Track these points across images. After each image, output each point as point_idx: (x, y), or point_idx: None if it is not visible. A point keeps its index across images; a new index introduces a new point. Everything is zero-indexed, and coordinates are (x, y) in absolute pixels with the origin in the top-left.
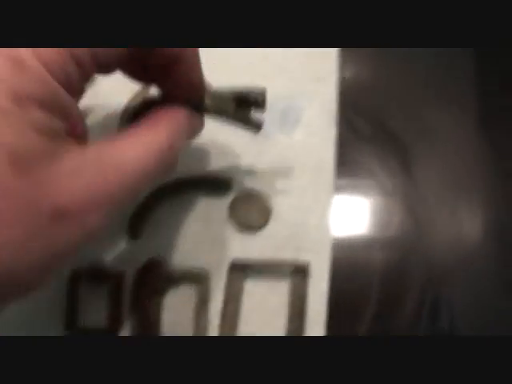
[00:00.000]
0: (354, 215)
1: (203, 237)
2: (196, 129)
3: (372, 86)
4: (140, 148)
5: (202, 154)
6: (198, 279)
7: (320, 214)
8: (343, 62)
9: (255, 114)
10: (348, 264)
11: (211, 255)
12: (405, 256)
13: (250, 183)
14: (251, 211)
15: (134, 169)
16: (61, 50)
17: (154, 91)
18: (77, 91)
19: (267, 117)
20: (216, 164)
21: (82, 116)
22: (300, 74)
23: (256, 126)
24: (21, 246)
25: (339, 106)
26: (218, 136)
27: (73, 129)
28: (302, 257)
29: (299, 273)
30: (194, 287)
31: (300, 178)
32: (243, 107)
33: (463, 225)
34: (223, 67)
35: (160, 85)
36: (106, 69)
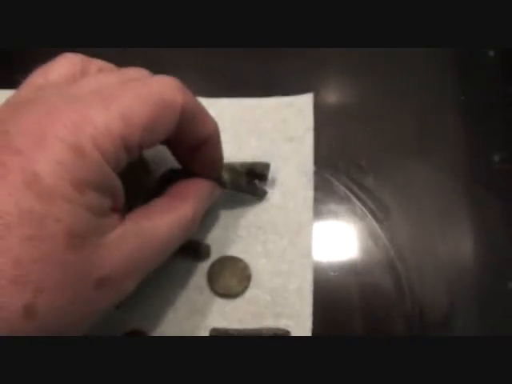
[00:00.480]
0: (335, 279)
1: (182, 304)
2: (215, 198)
3: (347, 142)
4: (171, 220)
5: None
6: None
7: (300, 278)
8: (318, 120)
9: (259, 184)
10: (329, 329)
11: (190, 323)
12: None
13: (227, 248)
14: (230, 277)
15: (166, 239)
16: (116, 140)
17: None
18: (121, 169)
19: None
20: None
21: (122, 191)
22: (273, 133)
23: (262, 195)
24: (67, 310)
25: (316, 165)
26: None
27: (116, 204)
28: (283, 324)
29: None
30: None
31: (278, 242)
32: (251, 179)
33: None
34: None
35: (187, 165)
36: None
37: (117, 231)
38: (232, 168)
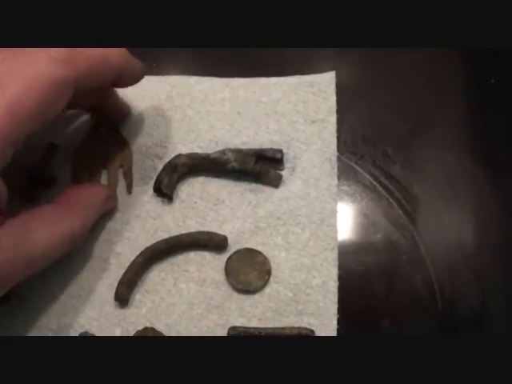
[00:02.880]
0: (361, 274)
1: (197, 300)
2: (110, 207)
3: (372, 126)
4: (56, 233)
5: (195, 209)
6: None
7: (323, 274)
8: (340, 101)
9: (274, 170)
10: (354, 328)
11: (206, 321)
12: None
13: (246, 240)
14: (249, 271)
15: (47, 252)
16: (2, 140)
17: None
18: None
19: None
20: (209, 219)
21: (5, 193)
22: (293, 116)
23: (274, 180)
24: None
25: (338, 151)
26: (210, 189)
27: None
28: (305, 322)
29: None
30: None
31: (300, 234)
32: (263, 163)
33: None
34: (215, 110)
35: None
36: None
37: None
38: (238, 152)
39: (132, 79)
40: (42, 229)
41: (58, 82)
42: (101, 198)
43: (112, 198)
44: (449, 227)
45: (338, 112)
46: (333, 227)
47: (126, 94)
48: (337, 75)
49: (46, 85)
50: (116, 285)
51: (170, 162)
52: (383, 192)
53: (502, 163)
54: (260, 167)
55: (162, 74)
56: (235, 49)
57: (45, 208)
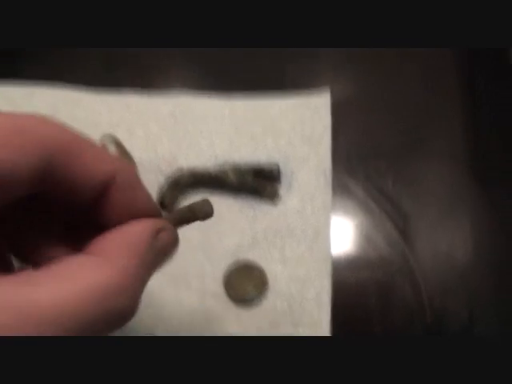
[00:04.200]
0: (354, 286)
1: (197, 311)
2: (168, 251)
3: (364, 142)
4: (69, 288)
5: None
6: None
7: (318, 286)
8: (333, 118)
9: (271, 186)
10: (347, 335)
11: (205, 331)
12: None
13: (243, 253)
14: (246, 283)
15: (53, 316)
16: None
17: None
18: None
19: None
20: (209, 233)
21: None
22: (290, 133)
23: (272, 196)
24: None
25: (333, 167)
26: None
27: None
28: (301, 332)
29: None
30: None
31: (296, 248)
32: (260, 179)
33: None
34: (216, 127)
35: (95, 216)
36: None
37: None
38: (236, 167)
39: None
40: (54, 279)
41: (25, 129)
42: (146, 241)
43: (165, 231)
44: (440, 242)
45: (332, 129)
46: (327, 241)
47: (130, 110)
48: (332, 91)
49: (10, 127)
50: None
51: (172, 177)
52: (376, 207)
53: (496, 178)
54: (258, 183)
55: (164, 88)
56: (236, 64)
57: (65, 260)
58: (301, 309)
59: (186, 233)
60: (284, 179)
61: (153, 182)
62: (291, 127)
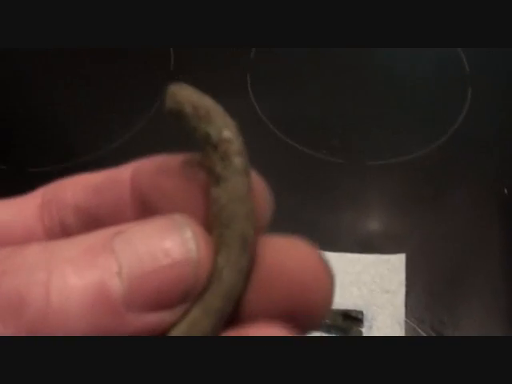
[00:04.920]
0: None
1: None
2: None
3: (433, 299)
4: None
5: None
6: None
7: None
8: (408, 276)
9: (356, 327)
10: None
11: None
12: None
13: None
14: None
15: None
16: None
17: None
18: None
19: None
20: None
21: None
22: (372, 285)
23: (356, 335)
24: None
25: (406, 315)
26: None
27: None
28: None
29: None
30: None
31: None
32: (347, 321)
33: None
34: None
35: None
36: None
37: None
38: (330, 310)
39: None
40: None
41: None
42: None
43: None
44: None
45: (406, 285)
46: None
47: None
48: (406, 258)
49: None
50: None
51: None
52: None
53: None
54: (346, 324)
55: None
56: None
57: None
58: None
59: None
60: (366, 322)
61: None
62: (372, 280)
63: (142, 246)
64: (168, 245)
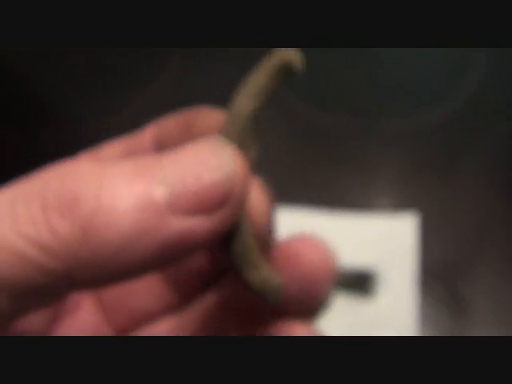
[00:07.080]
0: None
1: None
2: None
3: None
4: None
5: None
6: None
7: None
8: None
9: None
10: None
11: None
12: None
13: None
14: None
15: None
16: None
17: None
18: None
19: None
20: None
21: None
22: (385, 244)
23: (366, 293)
24: None
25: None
26: None
27: None
28: None
29: None
30: None
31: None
32: (360, 281)
33: None
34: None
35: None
36: None
37: None
38: (343, 272)
39: None
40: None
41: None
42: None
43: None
44: None
45: (420, 244)
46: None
47: None
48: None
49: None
50: None
51: None
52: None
53: None
54: (360, 284)
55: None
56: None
57: None
58: None
59: None
60: (380, 282)
61: None
62: (386, 239)
63: (185, 157)
64: (207, 156)
